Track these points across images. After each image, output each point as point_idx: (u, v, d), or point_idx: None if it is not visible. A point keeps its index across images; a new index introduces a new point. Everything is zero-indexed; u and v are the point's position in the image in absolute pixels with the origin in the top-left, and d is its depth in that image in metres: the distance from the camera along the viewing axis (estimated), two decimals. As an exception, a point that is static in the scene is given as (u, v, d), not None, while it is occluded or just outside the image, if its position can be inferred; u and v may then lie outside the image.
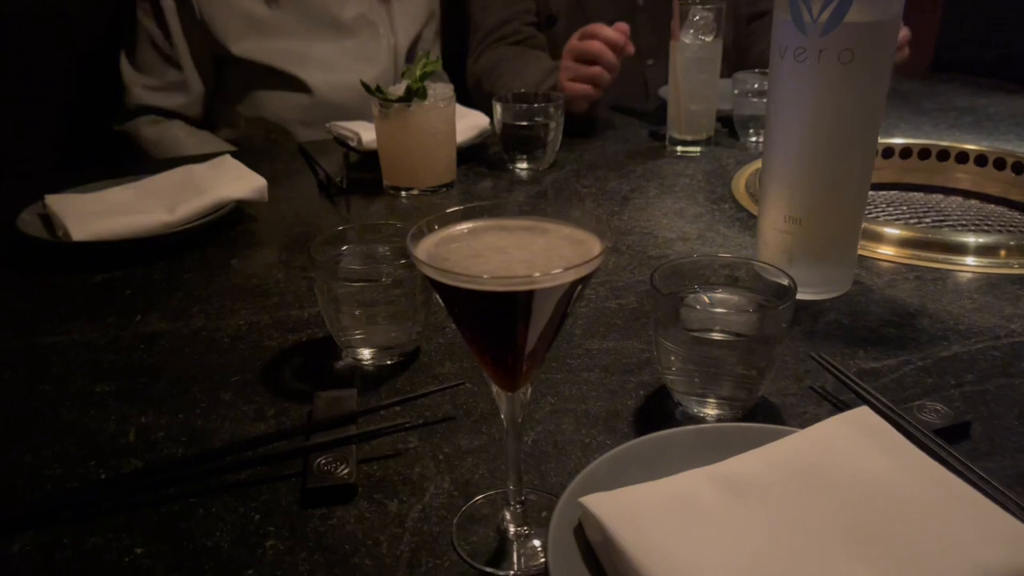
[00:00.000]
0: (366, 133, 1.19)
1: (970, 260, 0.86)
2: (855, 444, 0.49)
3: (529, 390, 0.47)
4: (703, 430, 0.53)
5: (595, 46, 1.29)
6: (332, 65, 1.49)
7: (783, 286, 0.60)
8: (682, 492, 0.46)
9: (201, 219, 0.97)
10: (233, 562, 0.49)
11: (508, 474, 0.50)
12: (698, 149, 1.26)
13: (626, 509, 0.44)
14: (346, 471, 0.55)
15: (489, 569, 0.48)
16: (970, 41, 2.02)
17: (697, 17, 1.18)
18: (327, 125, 1.27)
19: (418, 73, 1.05)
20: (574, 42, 1.33)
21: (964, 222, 1.11)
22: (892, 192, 1.21)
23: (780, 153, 0.75)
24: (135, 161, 1.44)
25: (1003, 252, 0.87)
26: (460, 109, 1.20)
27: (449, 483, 0.55)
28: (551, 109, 1.17)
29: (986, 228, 1.09)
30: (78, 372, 0.70)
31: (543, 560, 0.48)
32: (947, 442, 0.54)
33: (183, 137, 1.47)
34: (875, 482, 0.47)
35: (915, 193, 1.21)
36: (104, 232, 0.91)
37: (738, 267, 0.63)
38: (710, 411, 0.61)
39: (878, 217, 1.11)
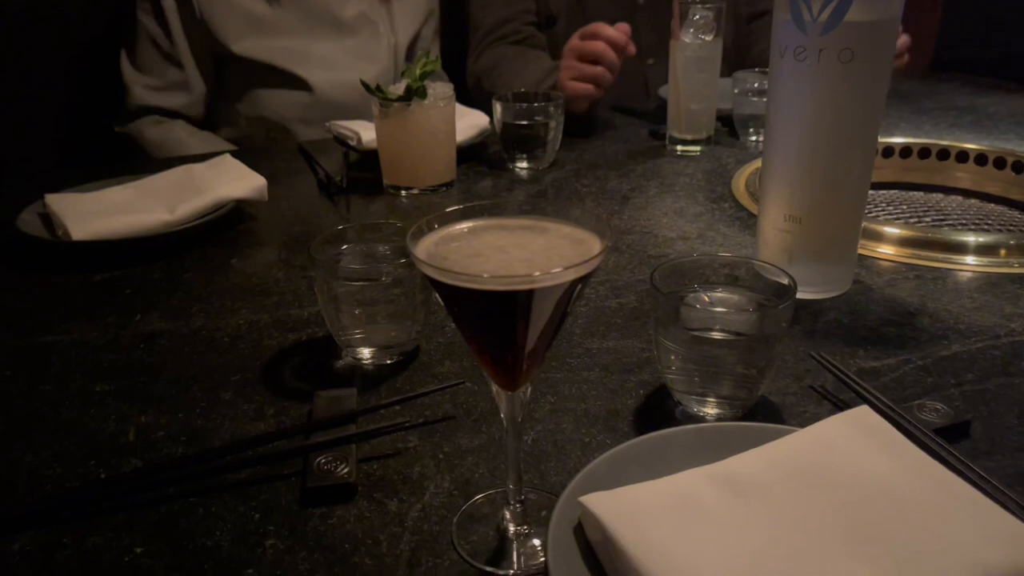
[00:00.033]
0: (366, 132, 1.19)
1: (970, 259, 0.86)
2: (855, 443, 0.49)
3: (529, 389, 0.47)
4: (703, 429, 0.53)
5: (598, 46, 1.29)
6: (333, 64, 1.50)
7: (783, 285, 0.60)
8: (682, 491, 0.46)
9: (201, 218, 0.97)
10: (233, 561, 0.49)
11: (508, 473, 0.50)
12: (698, 148, 1.26)
13: (626, 508, 0.44)
14: (346, 470, 0.55)
15: (489, 568, 0.48)
16: (970, 40, 2.02)
17: (697, 16, 1.18)
18: (327, 124, 1.27)
19: (418, 72, 1.05)
20: (576, 41, 1.32)
21: (964, 221, 1.11)
22: (892, 191, 1.21)
23: (780, 152, 0.75)
24: (136, 161, 1.44)
25: (1003, 251, 0.87)
26: (460, 108, 1.20)
27: (449, 482, 0.55)
28: (551, 108, 1.17)
29: (986, 227, 1.09)
30: (78, 372, 0.70)
31: (543, 559, 0.48)
32: (947, 441, 0.54)
33: (186, 138, 1.47)
34: (875, 481, 0.47)
35: (915, 192, 1.21)
36: (104, 231, 0.91)
37: (738, 266, 0.63)
38: (710, 410, 0.61)
39: (878, 216, 1.11)
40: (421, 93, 1.06)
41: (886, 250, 0.89)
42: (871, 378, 0.65)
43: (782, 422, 0.60)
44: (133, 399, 0.66)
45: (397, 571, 0.48)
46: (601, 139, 1.35)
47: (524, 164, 1.20)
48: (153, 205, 0.98)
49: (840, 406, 0.62)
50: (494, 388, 0.47)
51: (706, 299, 0.62)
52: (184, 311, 0.80)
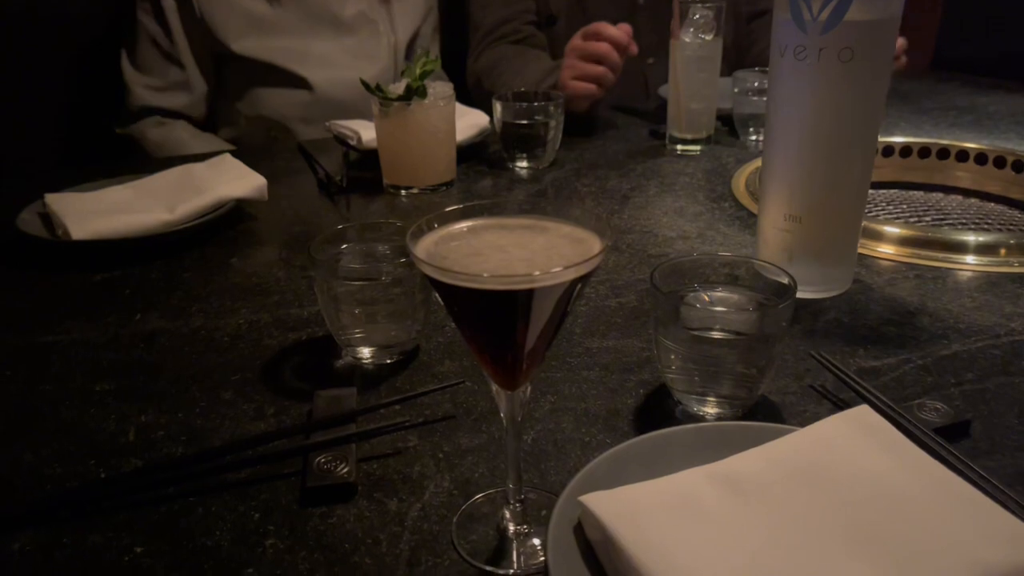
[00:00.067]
0: (366, 132, 1.19)
1: (970, 258, 0.86)
2: (855, 443, 0.49)
3: (529, 389, 0.47)
4: (703, 429, 0.53)
5: (601, 47, 1.29)
6: (333, 62, 1.50)
7: (783, 285, 0.60)
8: (682, 491, 0.46)
9: (201, 218, 0.97)
10: (233, 561, 0.49)
11: (508, 473, 0.50)
12: (698, 148, 1.26)
13: (626, 508, 0.44)
14: (346, 470, 0.55)
15: (489, 568, 0.48)
16: (970, 40, 2.02)
17: (697, 16, 1.18)
18: (327, 124, 1.27)
19: (418, 72, 1.05)
20: (578, 41, 1.32)
21: (964, 220, 1.11)
22: (892, 191, 1.21)
23: (780, 151, 0.75)
24: (136, 161, 1.43)
25: (1003, 250, 0.87)
26: (460, 108, 1.20)
27: (449, 482, 0.55)
28: (551, 108, 1.17)
29: (986, 226, 1.09)
30: (78, 371, 0.70)
31: (543, 559, 0.48)
32: (947, 441, 0.54)
33: (187, 139, 1.46)
34: (875, 481, 0.47)
35: (915, 192, 1.21)
36: (104, 231, 0.91)
37: (738, 266, 0.63)
38: (710, 410, 0.61)
39: (878, 216, 1.11)
40: (421, 92, 1.06)
41: (886, 249, 0.89)
42: (871, 377, 0.65)
43: (782, 421, 0.60)
44: (133, 399, 0.66)
45: (397, 570, 0.48)
46: (601, 139, 1.35)
47: (524, 163, 1.20)
48: (153, 205, 0.98)
49: (840, 405, 0.62)
50: (494, 387, 0.47)
51: (706, 298, 0.62)
52: (184, 311, 0.80)
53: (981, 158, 1.18)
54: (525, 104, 1.17)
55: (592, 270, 0.42)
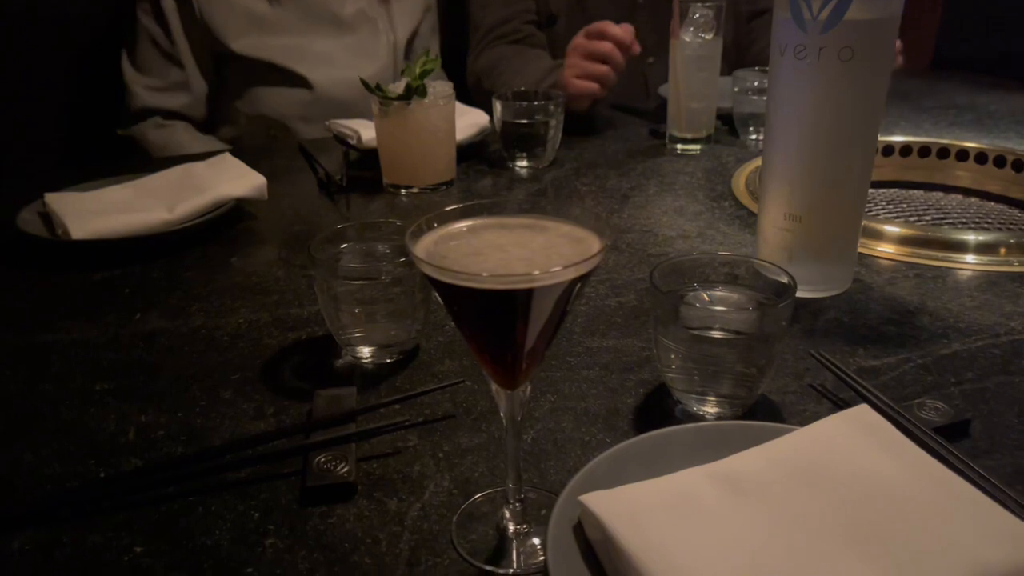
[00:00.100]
0: (366, 131, 1.19)
1: (970, 258, 0.86)
2: (855, 442, 0.49)
3: (528, 388, 0.47)
4: (703, 428, 0.53)
5: (605, 46, 1.29)
6: (332, 61, 1.50)
7: (783, 284, 0.60)
8: (682, 490, 0.46)
9: (201, 217, 0.97)
10: (233, 560, 0.49)
11: (507, 472, 0.50)
12: (698, 147, 1.26)
13: (625, 507, 0.44)
14: (345, 469, 0.55)
15: (489, 567, 0.48)
16: (970, 39, 2.02)
17: (697, 15, 1.18)
18: (326, 123, 1.27)
19: (418, 71, 1.05)
20: (581, 40, 1.32)
21: (964, 220, 1.11)
22: (892, 190, 1.21)
23: (780, 151, 0.75)
24: (135, 160, 1.43)
25: (1003, 250, 0.87)
26: (460, 107, 1.20)
27: (448, 481, 0.55)
28: (551, 107, 1.17)
29: (986, 226, 1.09)
30: (78, 371, 0.70)
31: (542, 558, 0.48)
32: (947, 440, 0.54)
33: (188, 140, 1.46)
34: (875, 480, 0.47)
35: (915, 191, 1.21)
36: (104, 230, 0.91)
37: (738, 265, 0.63)
38: (710, 409, 0.61)
39: (878, 215, 1.11)
40: (421, 92, 1.06)
41: (886, 248, 0.89)
42: (871, 377, 0.65)
43: (782, 421, 0.60)
44: (133, 398, 0.66)
45: (397, 570, 0.48)
46: (601, 138, 1.35)
47: (524, 163, 1.20)
48: (153, 204, 0.98)
49: (840, 405, 0.62)
50: (494, 387, 0.47)
51: (706, 298, 0.62)
52: (184, 310, 0.80)
53: (981, 157, 1.18)
54: (525, 103, 1.17)
55: (592, 269, 0.42)
